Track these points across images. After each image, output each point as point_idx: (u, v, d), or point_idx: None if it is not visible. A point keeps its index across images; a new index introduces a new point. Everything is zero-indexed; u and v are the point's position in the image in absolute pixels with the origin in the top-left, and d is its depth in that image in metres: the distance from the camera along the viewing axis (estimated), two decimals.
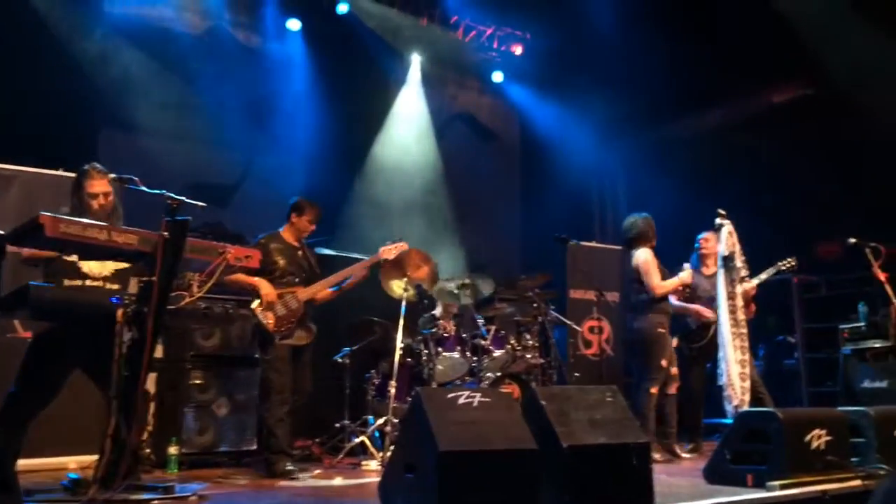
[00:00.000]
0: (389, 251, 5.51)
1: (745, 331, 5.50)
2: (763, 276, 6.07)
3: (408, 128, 9.02)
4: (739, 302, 5.55)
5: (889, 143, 6.90)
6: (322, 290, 5.22)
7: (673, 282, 5.89)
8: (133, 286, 3.68)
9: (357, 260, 5.86)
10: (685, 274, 5.96)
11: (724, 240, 5.60)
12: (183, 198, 3.65)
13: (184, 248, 3.62)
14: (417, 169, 8.90)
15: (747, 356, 5.48)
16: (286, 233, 5.35)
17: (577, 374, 7.08)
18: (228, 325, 5.70)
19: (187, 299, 3.85)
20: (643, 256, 5.91)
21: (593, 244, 8.36)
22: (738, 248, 5.61)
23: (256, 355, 5.30)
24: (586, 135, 9.35)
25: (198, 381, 5.52)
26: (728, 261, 5.57)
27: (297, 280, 5.20)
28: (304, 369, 5.21)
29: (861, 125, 7.14)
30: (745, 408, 5.23)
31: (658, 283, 5.82)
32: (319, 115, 7.99)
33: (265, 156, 7.74)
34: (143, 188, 3.81)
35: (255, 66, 7.95)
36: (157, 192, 3.70)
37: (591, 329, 7.70)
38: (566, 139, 9.35)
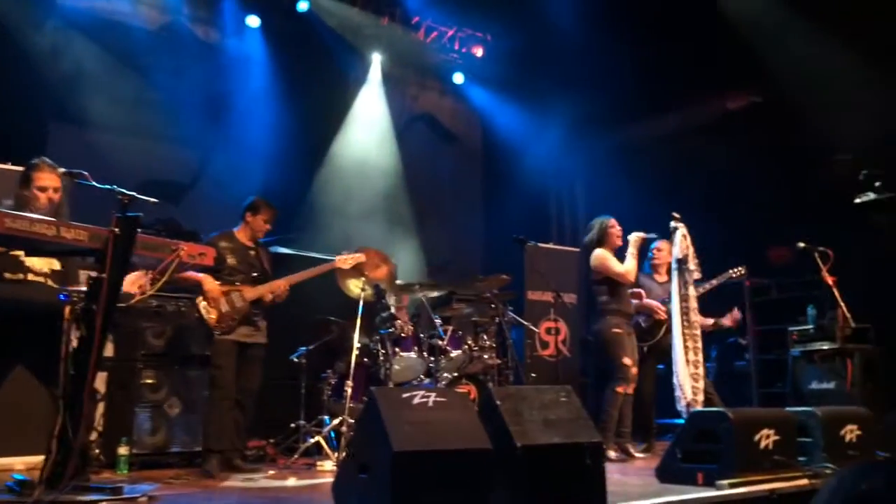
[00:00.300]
0: (345, 261, 5.50)
1: (697, 332, 5.58)
2: (714, 281, 6.18)
3: (368, 128, 8.97)
4: (692, 304, 5.63)
5: (835, 149, 7.06)
6: (270, 290, 5.15)
7: (632, 253, 5.89)
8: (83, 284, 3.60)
9: (314, 260, 5.81)
10: (633, 238, 5.96)
11: (678, 242, 5.68)
12: (134, 193, 3.58)
13: (134, 244, 3.55)
14: (377, 170, 8.86)
15: (700, 357, 5.56)
16: (240, 232, 5.29)
17: (533, 375, 7.11)
18: (180, 323, 5.59)
19: (138, 297, 3.79)
20: (597, 256, 5.95)
21: (550, 246, 8.42)
22: (691, 250, 5.69)
23: (208, 353, 5.22)
24: (547, 137, 9.40)
25: (149, 381, 5.43)
26: (682, 263, 5.65)
27: (245, 279, 5.15)
28: (251, 367, 5.15)
29: (808, 131, 7.29)
30: (697, 407, 5.31)
31: (620, 270, 5.85)
32: (278, 112, 7.90)
33: (221, 153, 7.64)
34: (94, 183, 3.73)
35: (212, 62, 7.84)
36: (108, 187, 3.62)
37: (547, 330, 7.75)
38: (527, 141, 9.40)
